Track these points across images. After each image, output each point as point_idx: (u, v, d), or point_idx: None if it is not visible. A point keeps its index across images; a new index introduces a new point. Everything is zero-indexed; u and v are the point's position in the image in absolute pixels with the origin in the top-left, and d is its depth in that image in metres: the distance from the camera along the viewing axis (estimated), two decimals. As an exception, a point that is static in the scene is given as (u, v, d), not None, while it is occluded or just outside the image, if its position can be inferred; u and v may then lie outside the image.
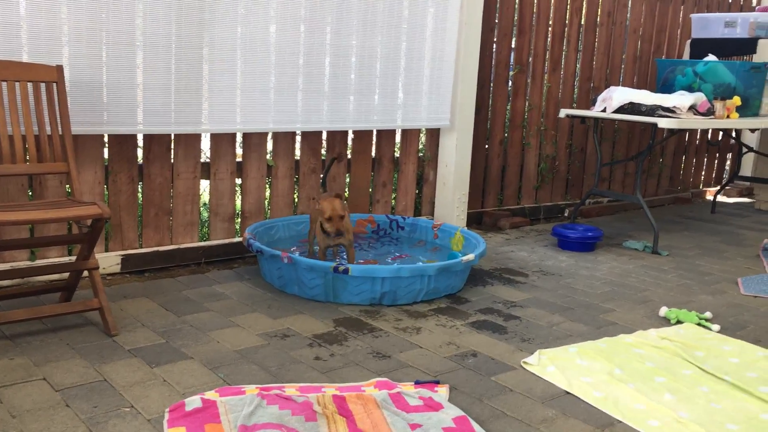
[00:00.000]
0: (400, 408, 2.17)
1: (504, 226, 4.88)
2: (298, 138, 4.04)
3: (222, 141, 3.71)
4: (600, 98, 4.60)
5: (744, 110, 4.73)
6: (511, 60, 4.93)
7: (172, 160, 3.57)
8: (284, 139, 3.93)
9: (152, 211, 3.55)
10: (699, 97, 4.40)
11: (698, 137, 6.35)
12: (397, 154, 4.52)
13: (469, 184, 4.69)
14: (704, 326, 3.06)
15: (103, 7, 3.15)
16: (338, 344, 2.68)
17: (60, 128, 2.85)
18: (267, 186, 3.96)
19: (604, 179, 5.64)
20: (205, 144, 3.76)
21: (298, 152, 4.06)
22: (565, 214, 5.36)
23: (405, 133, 4.48)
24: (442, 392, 2.31)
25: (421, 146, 4.70)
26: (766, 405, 2.33)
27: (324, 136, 4.11)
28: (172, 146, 3.56)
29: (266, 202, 3.97)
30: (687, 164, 6.33)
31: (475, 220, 4.90)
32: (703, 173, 6.52)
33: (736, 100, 4.56)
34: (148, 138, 3.47)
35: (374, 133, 4.32)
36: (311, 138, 4.04)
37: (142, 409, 2.10)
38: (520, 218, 5.03)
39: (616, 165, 5.63)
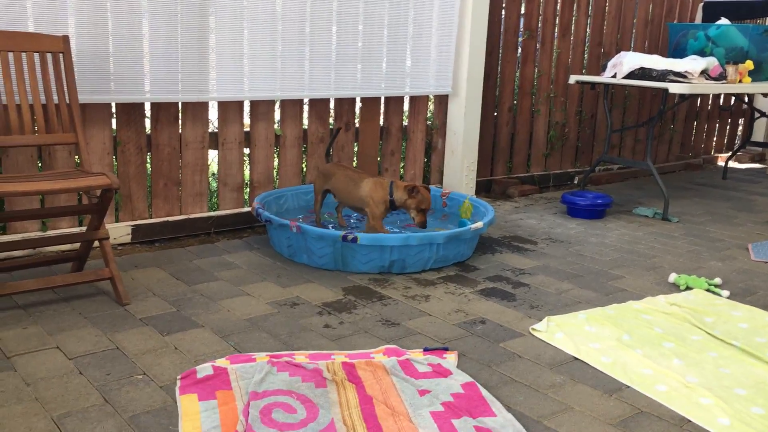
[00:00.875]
0: (409, 374, 2.19)
1: (513, 194, 4.87)
2: (306, 107, 4.02)
3: (229, 110, 3.70)
4: (610, 64, 4.54)
5: (757, 74, 4.66)
6: (521, 26, 4.86)
7: (180, 130, 3.57)
8: (292, 107, 3.92)
9: (161, 182, 3.56)
10: (711, 62, 4.34)
11: (710, 102, 6.27)
12: (405, 123, 4.49)
13: (478, 152, 4.66)
14: (714, 292, 3.06)
15: (107, -25, 3.12)
16: (347, 312, 2.70)
17: (68, 99, 2.84)
18: (275, 155, 3.96)
19: (614, 146, 5.60)
20: (213, 114, 3.75)
21: (305, 121, 4.04)
22: (575, 182, 5.33)
23: (413, 101, 4.45)
24: (450, 359, 2.33)
25: (429, 114, 4.67)
26: (775, 370, 2.33)
27: (332, 104, 4.09)
28: (180, 116, 3.56)
29: (275, 172, 3.97)
30: (698, 130, 6.26)
31: (484, 189, 4.89)
32: (714, 139, 6.46)
33: (749, 65, 4.49)
34: (155, 108, 3.47)
35: (382, 101, 4.30)
36: (319, 106, 4.02)
37: (154, 377, 2.13)
38: (529, 186, 5.01)
39: (627, 131, 5.58)
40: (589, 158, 5.49)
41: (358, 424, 1.90)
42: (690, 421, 2.01)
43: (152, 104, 3.45)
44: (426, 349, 2.39)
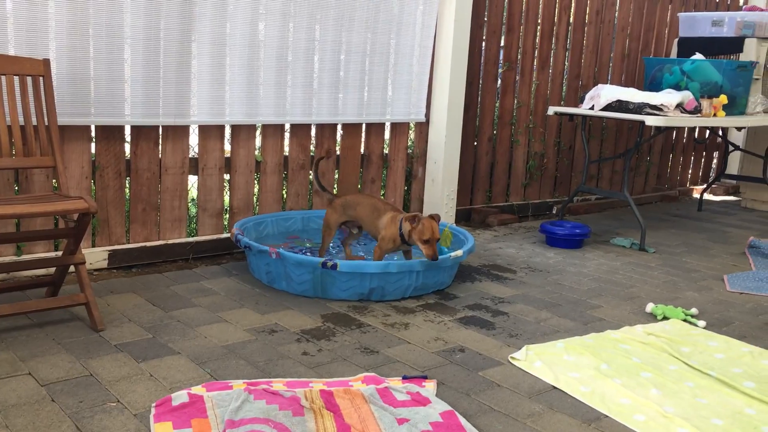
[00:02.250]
0: (388, 403, 2.17)
1: (492, 222, 4.89)
2: (287, 133, 4.03)
3: (210, 136, 3.69)
4: (588, 96, 4.62)
5: (730, 108, 4.76)
6: (500, 57, 4.94)
7: (160, 156, 3.56)
8: (273, 134, 3.93)
9: (140, 207, 3.53)
10: (686, 96, 4.42)
11: (685, 135, 6.39)
12: (386, 151, 4.52)
13: (458, 181, 4.70)
14: (690, 322, 3.08)
15: (90, 1, 3.13)
16: (326, 339, 2.68)
17: (47, 121, 2.83)
18: (256, 181, 3.95)
19: (592, 177, 5.66)
20: (194, 140, 3.75)
21: (287, 148, 4.05)
22: (554, 212, 5.38)
23: (394, 129, 4.48)
24: (429, 387, 2.31)
25: (410, 143, 4.70)
26: (751, 400, 2.35)
27: (313, 132, 4.10)
28: (160, 141, 3.54)
29: (255, 198, 3.96)
30: (674, 162, 6.36)
31: (463, 217, 4.91)
32: (690, 171, 6.56)
33: (723, 99, 4.58)
34: (135, 133, 3.45)
35: (363, 128, 4.32)
36: (300, 134, 4.03)
37: (128, 404, 2.09)
38: (508, 215, 5.04)
39: (605, 163, 5.65)
40: (567, 188, 5.55)
41: (335, 453, 1.88)
42: (668, 450, 2.02)
43: (132, 129, 3.44)
44: (405, 377, 2.38)
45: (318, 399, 2.16)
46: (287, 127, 4.01)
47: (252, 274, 3.42)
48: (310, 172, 4.13)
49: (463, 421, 2.09)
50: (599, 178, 5.75)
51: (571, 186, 5.55)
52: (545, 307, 3.22)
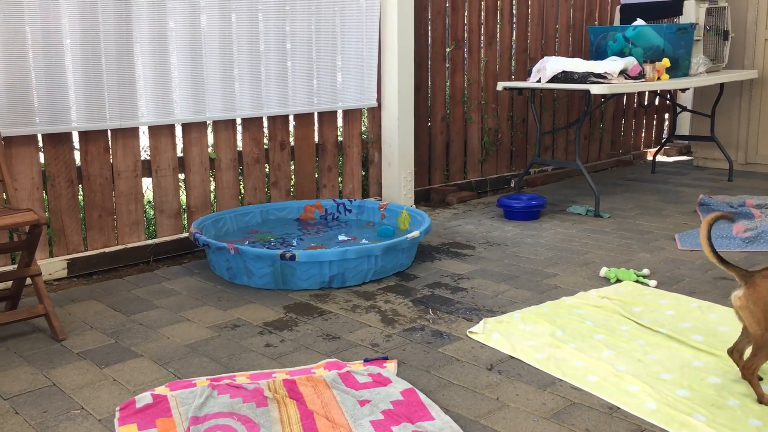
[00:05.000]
0: (350, 386, 2.23)
1: (451, 201, 4.96)
2: (239, 129, 4.04)
3: (161, 137, 3.69)
4: (535, 69, 4.69)
5: (674, 71, 4.87)
6: (448, 37, 4.98)
7: (112, 160, 3.55)
8: (225, 130, 3.93)
9: (95, 213, 3.52)
10: (630, 62, 4.51)
11: (635, 101, 6.51)
12: (340, 138, 4.55)
13: (415, 162, 4.75)
14: (642, 283, 3.18)
15: (24, 8, 3.10)
16: (288, 330, 2.73)
17: (-11, 136, 2.80)
18: (211, 179, 3.96)
19: (547, 148, 5.75)
20: (145, 142, 3.74)
21: (240, 143, 4.06)
22: (512, 185, 5.46)
23: (347, 116, 4.51)
24: (390, 368, 2.37)
25: (364, 128, 4.73)
26: (699, 352, 2.45)
27: (265, 124, 4.11)
28: (110, 145, 3.53)
29: (212, 195, 3.97)
30: (627, 127, 6.49)
31: (423, 198, 4.97)
32: (643, 135, 6.69)
33: (666, 62, 4.69)
34: (84, 139, 3.44)
35: (315, 118, 4.34)
36: (252, 128, 4.04)
37: (92, 410, 2.12)
38: (467, 192, 5.11)
39: (559, 133, 5.75)
40: (523, 161, 5.63)
41: (298, 440, 1.93)
42: (619, 408, 2.10)
43: (81, 136, 3.42)
44: (366, 360, 2.43)
45: (281, 388, 2.20)
46: (239, 121, 4.02)
47: (213, 271, 3.44)
48: (266, 165, 4.15)
49: (423, 397, 2.15)
50: (554, 149, 5.85)
51: (527, 158, 5.64)
52: (503, 280, 3.29)
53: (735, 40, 5.55)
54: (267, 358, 2.47)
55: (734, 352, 2.25)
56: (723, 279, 3.22)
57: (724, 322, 2.69)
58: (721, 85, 5.40)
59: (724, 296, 3.00)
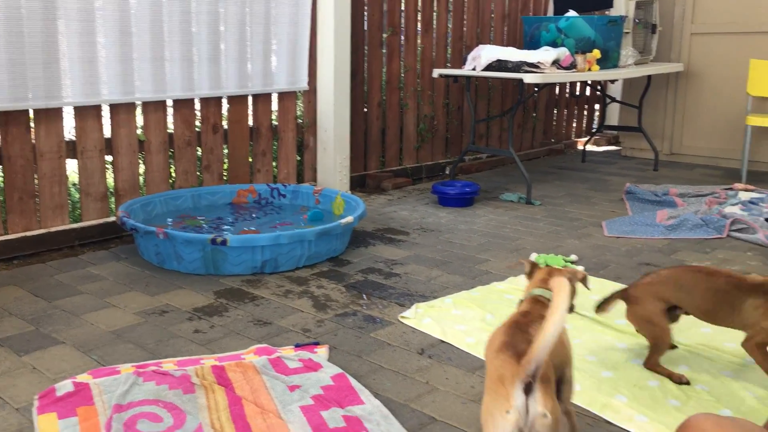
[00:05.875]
0: (280, 372, 2.21)
1: (387, 187, 4.97)
2: (170, 110, 3.94)
3: (87, 117, 3.56)
4: (470, 57, 4.73)
5: (604, 62, 4.99)
6: (384, 23, 4.96)
7: (34, 140, 3.40)
8: (155, 111, 3.82)
9: (15, 196, 3.38)
10: (562, 52, 4.60)
11: (567, 91, 6.65)
12: (275, 122, 4.49)
13: (351, 148, 4.73)
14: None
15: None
16: (218, 315, 2.68)
17: None
18: (140, 161, 3.85)
19: (482, 136, 5.82)
20: (70, 122, 3.60)
21: (171, 126, 3.96)
22: (447, 172, 5.51)
23: (282, 99, 4.45)
24: (321, 353, 2.36)
25: (299, 112, 4.68)
26: (622, 335, 2.53)
27: (197, 106, 4.02)
28: (33, 126, 3.39)
29: (141, 179, 3.86)
30: (559, 117, 6.62)
31: (358, 184, 4.96)
32: (574, 125, 6.85)
33: (596, 53, 4.80)
34: (4, 119, 3.28)
35: (250, 101, 4.27)
36: (184, 110, 3.95)
37: (9, 399, 2.03)
38: (402, 179, 5.13)
39: (493, 121, 5.82)
40: (459, 148, 5.68)
41: (226, 426, 1.90)
42: (545, 389, 2.15)
43: (0, 116, 3.27)
44: (297, 345, 2.42)
45: (209, 375, 2.16)
46: (170, 103, 3.91)
47: (141, 256, 3.35)
48: (198, 148, 4.06)
49: (353, 381, 2.16)
50: (489, 137, 5.92)
51: (462, 146, 5.69)
52: (436, 266, 3.32)
53: (662, 34, 5.72)
54: (196, 345, 2.42)
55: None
56: (647, 264, 3.33)
57: (646, 306, 2.79)
58: (649, 77, 5.57)
59: (646, 281, 3.10)
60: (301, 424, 1.92)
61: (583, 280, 1.89)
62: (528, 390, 1.38)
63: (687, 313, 2.27)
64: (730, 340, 2.44)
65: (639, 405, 2.04)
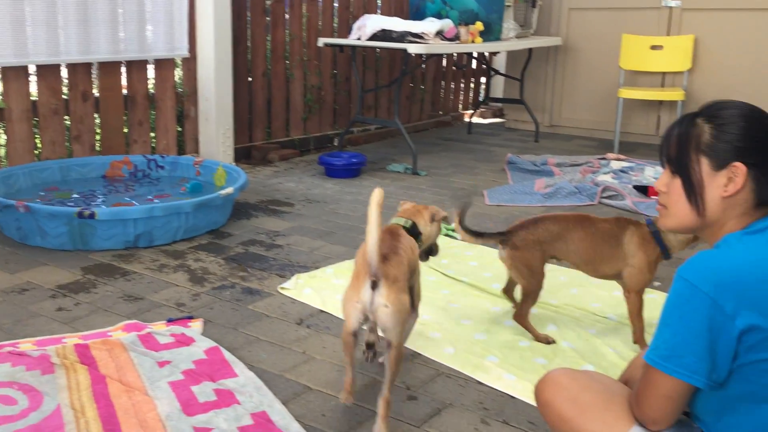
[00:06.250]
0: (150, 348, 2.12)
1: (273, 158, 4.87)
2: (33, 77, 3.67)
3: (-65, 83, 3.26)
4: (355, 26, 4.68)
5: (487, 35, 5.07)
6: (267, -11, 4.83)
7: None
8: (16, 78, 3.55)
9: None
10: (446, 24, 4.64)
11: (456, 63, 6.73)
12: (152, 91, 4.28)
13: (235, 119, 4.59)
14: (451, 236, 3.31)
15: None
16: (85, 292, 2.54)
17: None
18: (1, 131, 3.57)
19: (370, 107, 5.81)
20: None
21: (35, 93, 3.69)
22: (335, 143, 5.47)
23: (158, 67, 4.25)
24: (195, 327, 2.29)
25: (179, 81, 4.50)
26: (496, 299, 2.59)
27: (64, 73, 3.77)
28: None
29: (2, 150, 3.59)
30: (446, 90, 6.70)
31: (244, 155, 4.83)
32: (461, 97, 6.96)
33: (479, 26, 4.87)
34: None
35: (123, 67, 4.05)
36: (49, 75, 3.69)
37: None
38: (289, 150, 5.04)
39: (382, 93, 5.81)
40: (347, 120, 5.64)
41: (87, 406, 1.80)
42: (420, 354, 2.18)
43: None
44: (169, 320, 2.33)
45: (72, 354, 2.05)
46: (33, 68, 3.65)
47: (2, 232, 3.12)
48: (67, 117, 3.82)
49: (227, 354, 2.10)
50: (377, 108, 5.92)
51: (350, 117, 5.65)
52: (319, 237, 3.29)
53: (542, 9, 5.88)
54: (58, 323, 2.29)
55: (506, 291, 2.45)
56: (523, 231, 3.43)
57: (521, 271, 2.87)
58: (530, 50, 5.72)
59: (523, 247, 3.20)
60: (169, 400, 1.85)
61: (445, 219, 2.16)
62: (374, 286, 1.71)
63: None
64: (596, 300, 2.56)
65: (508, 364, 2.11)
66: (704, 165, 1.28)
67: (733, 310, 1.16)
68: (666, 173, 1.35)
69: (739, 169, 1.25)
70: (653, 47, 5.36)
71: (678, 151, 1.31)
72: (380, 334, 1.83)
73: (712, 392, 1.22)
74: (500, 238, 2.31)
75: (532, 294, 2.28)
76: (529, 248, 2.25)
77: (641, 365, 1.32)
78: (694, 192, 1.29)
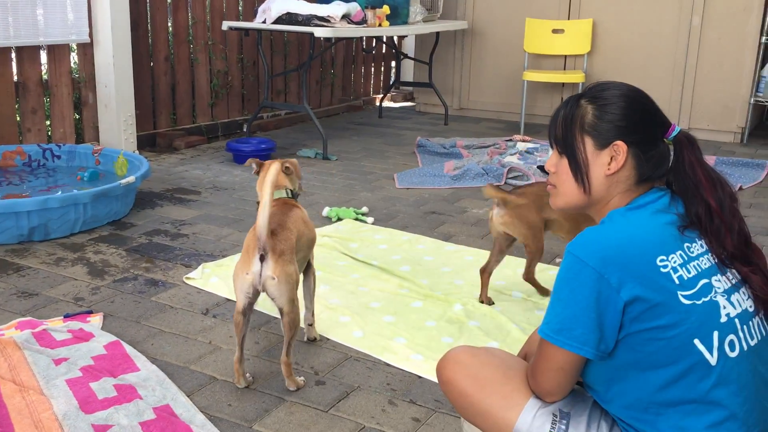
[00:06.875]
0: (45, 345, 2.03)
1: (179, 146, 4.74)
2: None
3: None
4: (260, 9, 4.59)
5: (394, 19, 5.08)
6: (167, -30, 4.67)
7: None
8: None
9: None
10: (353, 7, 4.61)
11: (364, 47, 6.72)
12: (45, 77, 4.07)
13: (137, 105, 4.43)
14: (361, 220, 3.32)
15: None
16: (-26, 290, 2.41)
17: None
18: None
19: (279, 92, 5.72)
20: None
21: None
22: (244, 129, 5.36)
23: (51, 52, 4.04)
24: (94, 321, 2.21)
25: (74, 66, 4.29)
26: (404, 281, 2.62)
27: (-54, 58, 3.54)
28: None
29: None
30: (357, 74, 6.68)
31: (148, 143, 4.68)
32: (372, 81, 6.96)
33: (386, 9, 4.87)
34: None
35: (13, 53, 3.83)
36: (-72, 61, 3.45)
37: None
38: (196, 137, 4.92)
39: (292, 77, 5.73)
40: (256, 105, 5.54)
41: (-24, 410, 1.71)
42: (329, 339, 2.18)
43: None
44: (67, 316, 2.23)
45: (-42, 356, 1.93)
46: None
47: None
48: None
49: (128, 349, 2.04)
50: (287, 93, 5.84)
51: (259, 102, 5.55)
52: (227, 224, 3.23)
53: (449, -7, 5.94)
54: (-56, 324, 2.16)
55: (485, 273, 2.45)
56: (432, 213, 3.48)
57: (429, 253, 2.92)
58: (437, 34, 5.77)
59: (431, 229, 3.24)
60: (66, 398, 1.78)
61: (287, 169, 2.12)
62: (263, 259, 1.80)
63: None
64: (500, 278, 2.62)
65: (416, 345, 2.13)
66: (588, 144, 1.32)
67: (618, 282, 1.20)
68: (554, 154, 1.39)
69: (621, 147, 1.30)
70: (555, 31, 5.51)
71: (564, 131, 1.35)
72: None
73: (601, 362, 1.27)
74: (503, 195, 2.32)
75: (538, 255, 2.38)
76: (535, 211, 2.31)
77: (537, 339, 1.36)
78: (580, 171, 1.33)
